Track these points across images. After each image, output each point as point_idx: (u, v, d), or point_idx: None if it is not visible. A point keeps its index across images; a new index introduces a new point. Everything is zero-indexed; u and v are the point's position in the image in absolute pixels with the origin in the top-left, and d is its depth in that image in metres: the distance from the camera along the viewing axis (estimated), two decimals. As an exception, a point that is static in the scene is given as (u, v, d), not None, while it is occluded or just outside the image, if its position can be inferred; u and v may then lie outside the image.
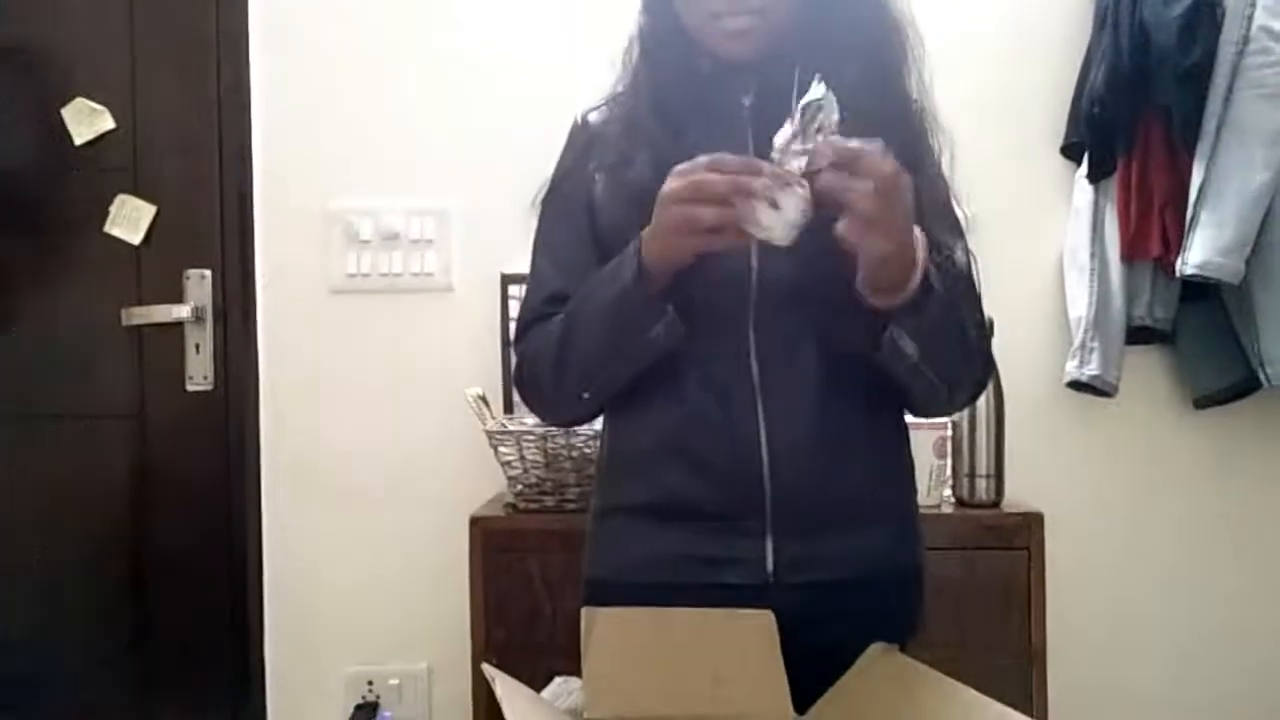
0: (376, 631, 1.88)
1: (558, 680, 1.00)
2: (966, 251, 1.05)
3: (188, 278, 1.88)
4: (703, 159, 0.88)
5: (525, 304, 1.11)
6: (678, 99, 1.02)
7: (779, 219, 0.82)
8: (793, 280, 0.98)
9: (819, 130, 0.83)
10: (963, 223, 1.07)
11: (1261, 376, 1.71)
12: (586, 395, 1.03)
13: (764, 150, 0.89)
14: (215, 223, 1.89)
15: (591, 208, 1.06)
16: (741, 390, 0.99)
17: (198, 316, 1.87)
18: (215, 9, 1.88)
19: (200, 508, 1.89)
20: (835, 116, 0.84)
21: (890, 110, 0.97)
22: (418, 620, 1.86)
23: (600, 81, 1.10)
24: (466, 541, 1.57)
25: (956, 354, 0.98)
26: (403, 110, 1.89)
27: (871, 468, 1.03)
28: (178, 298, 1.87)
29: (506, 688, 0.79)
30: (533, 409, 1.14)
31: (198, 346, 1.88)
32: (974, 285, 1.05)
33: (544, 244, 1.11)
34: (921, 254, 0.89)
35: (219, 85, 1.89)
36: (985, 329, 1.07)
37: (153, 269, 1.88)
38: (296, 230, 1.90)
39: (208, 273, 1.88)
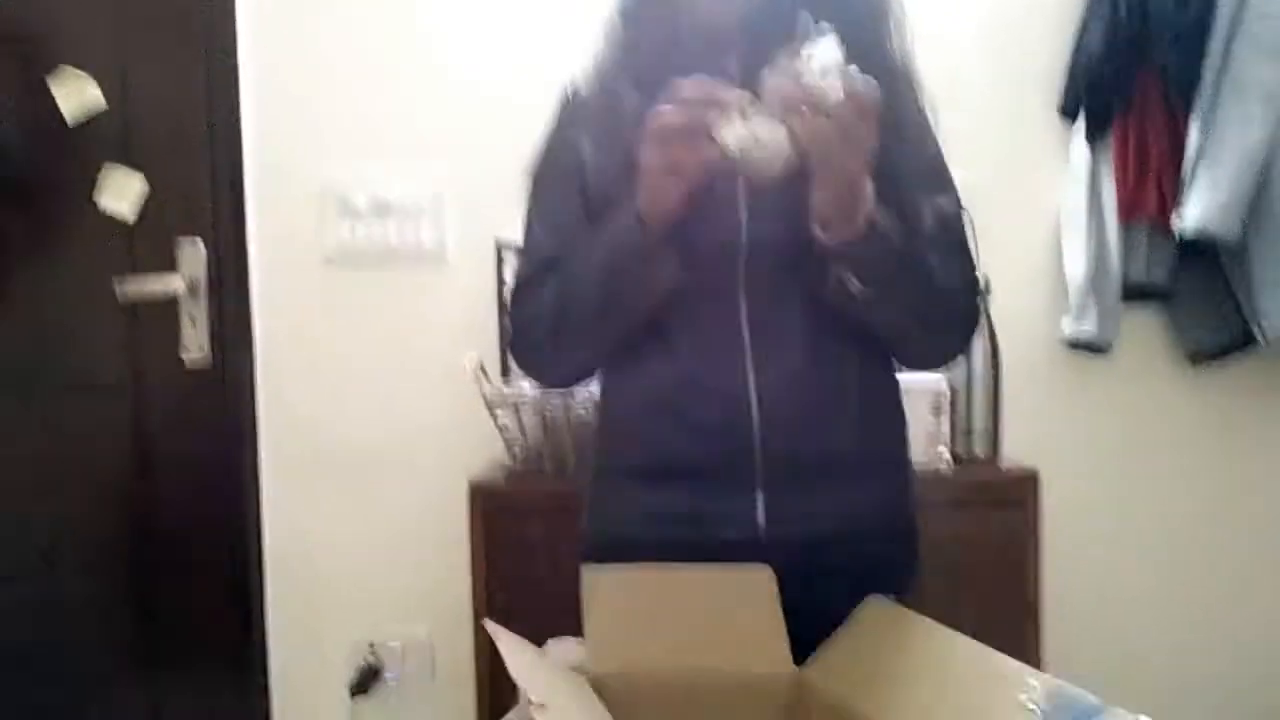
0: (377, 598, 1.89)
1: (551, 642, 1.01)
2: (957, 206, 1.06)
3: (181, 249, 1.86)
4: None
5: (520, 268, 1.12)
6: (662, 64, 1.02)
7: (747, 132, 0.86)
8: (782, 240, 0.99)
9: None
10: (954, 179, 1.07)
11: (1257, 333, 1.72)
12: (586, 349, 1.04)
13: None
14: (207, 192, 1.87)
15: (582, 174, 1.06)
16: (732, 349, 1.01)
17: (192, 289, 1.86)
18: (203, -28, 1.86)
19: (199, 479, 1.89)
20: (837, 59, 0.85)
21: (871, 70, 0.97)
22: (419, 586, 1.87)
23: (589, 50, 1.10)
24: (465, 507, 1.58)
25: (920, 295, 1.00)
26: (395, 79, 1.87)
27: (862, 422, 1.04)
28: (170, 268, 1.86)
29: (509, 643, 0.80)
30: (528, 371, 1.15)
31: (193, 319, 1.87)
32: (961, 238, 1.06)
33: (536, 210, 1.12)
34: (868, 199, 0.92)
35: (208, 53, 1.86)
36: (973, 281, 1.08)
37: (144, 240, 1.86)
38: (289, 200, 1.89)
39: (199, 240, 1.86)
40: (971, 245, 1.08)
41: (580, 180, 1.06)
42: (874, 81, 0.86)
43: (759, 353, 1.00)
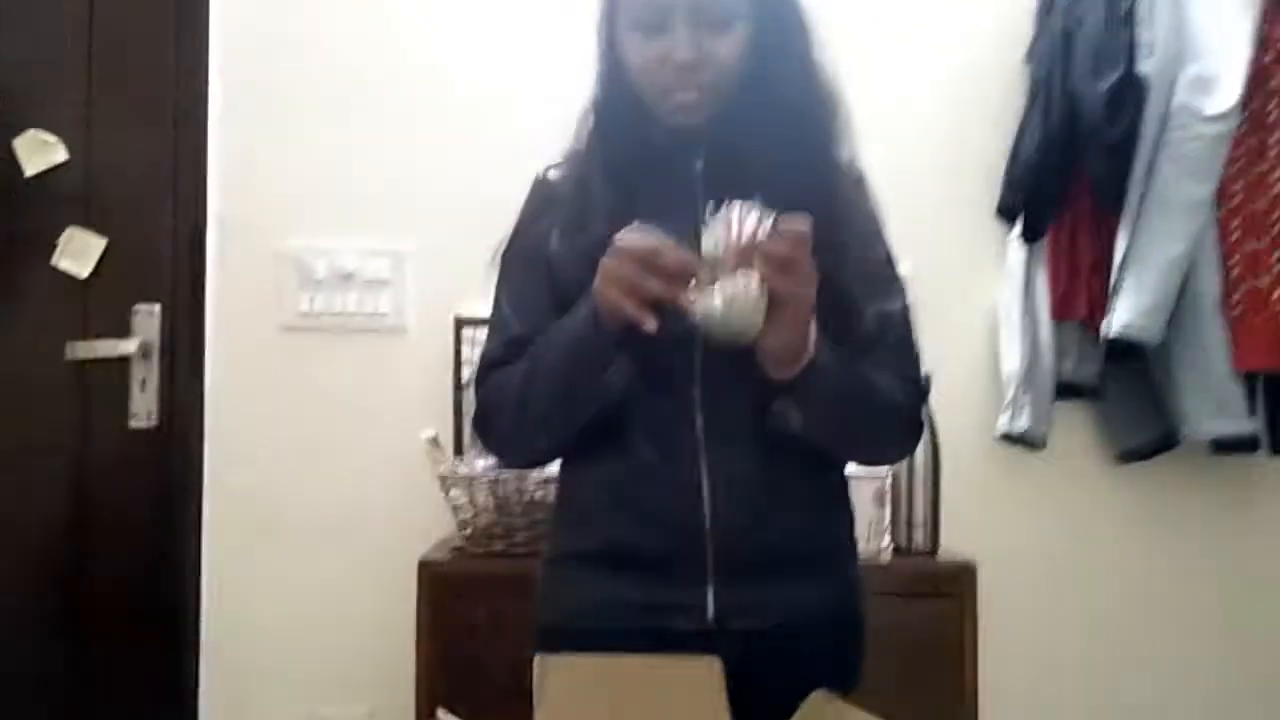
0: (317, 675, 1.85)
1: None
2: (905, 307, 1.11)
3: (136, 313, 1.86)
4: (638, 241, 0.94)
5: (487, 347, 1.14)
6: (630, 165, 1.07)
7: (724, 293, 0.90)
8: None
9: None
10: (902, 279, 1.12)
11: (1179, 433, 1.80)
12: (544, 438, 1.07)
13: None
14: (167, 257, 1.88)
15: (549, 262, 1.10)
16: (686, 444, 1.04)
17: (145, 352, 1.85)
18: (174, 44, 1.89)
19: (139, 548, 1.85)
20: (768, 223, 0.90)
21: (821, 177, 1.04)
22: (361, 665, 1.84)
23: (556, 127, 1.14)
24: (412, 584, 1.57)
25: (862, 417, 1.05)
26: (361, 151, 1.90)
27: (812, 518, 1.08)
28: (125, 332, 1.85)
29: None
30: (490, 451, 1.18)
31: (143, 382, 1.86)
32: (907, 339, 1.11)
33: (505, 291, 1.15)
34: (811, 337, 0.97)
35: (175, 119, 1.89)
36: (918, 383, 1.12)
37: (101, 303, 1.86)
38: (250, 267, 1.90)
39: (157, 308, 1.87)
40: (917, 344, 1.13)
41: (548, 266, 1.10)
42: (807, 219, 0.92)
43: (712, 445, 1.03)
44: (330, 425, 1.88)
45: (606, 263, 0.96)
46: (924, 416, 1.15)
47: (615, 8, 1.07)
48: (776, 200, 0.97)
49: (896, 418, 1.09)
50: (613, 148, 1.09)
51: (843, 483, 1.14)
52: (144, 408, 1.86)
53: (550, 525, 1.16)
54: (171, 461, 1.86)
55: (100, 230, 1.86)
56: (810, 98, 1.09)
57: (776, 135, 1.04)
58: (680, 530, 1.03)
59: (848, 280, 1.04)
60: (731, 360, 1.03)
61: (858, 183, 1.12)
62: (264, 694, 1.85)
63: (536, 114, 1.81)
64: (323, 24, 1.92)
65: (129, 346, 1.84)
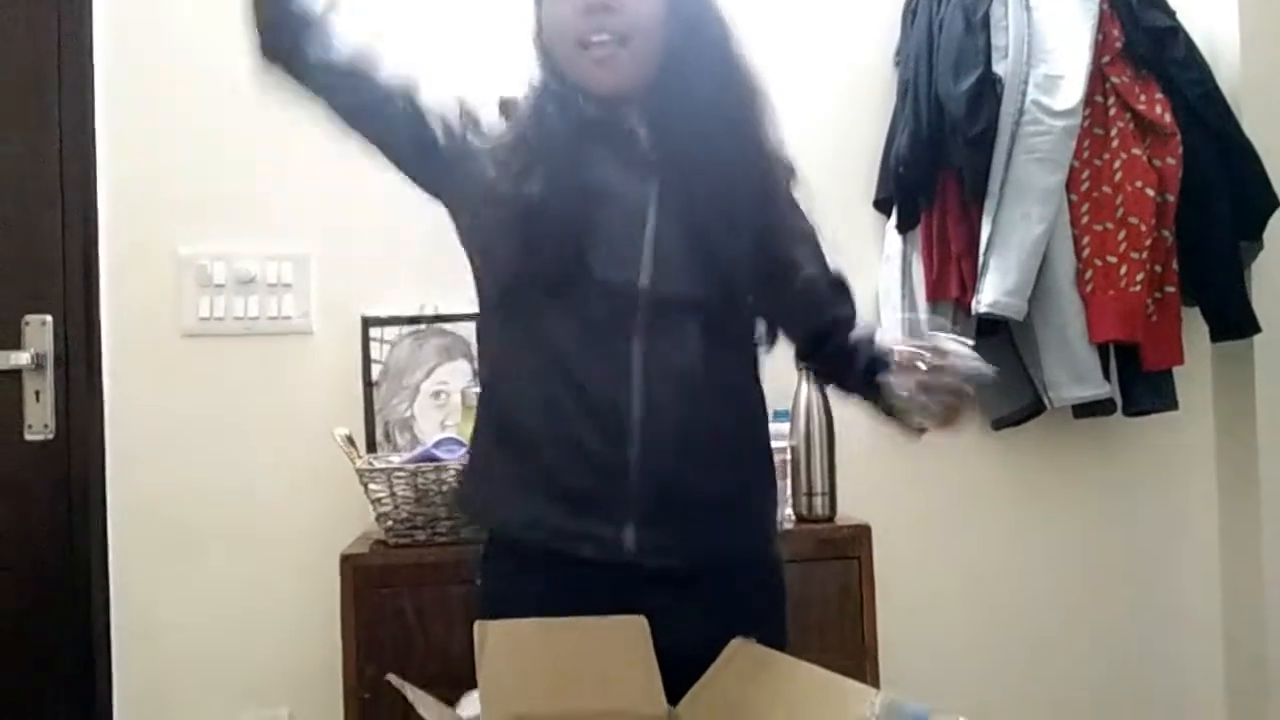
0: (235, 682, 1.84)
1: (464, 699, 1.06)
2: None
3: (27, 323, 1.81)
4: None
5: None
6: (573, 134, 1.12)
7: None
8: (682, 291, 1.10)
9: None
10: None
11: (1045, 400, 1.95)
12: None
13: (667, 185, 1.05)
14: (58, 265, 1.83)
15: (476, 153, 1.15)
16: (622, 389, 1.09)
17: (38, 363, 1.80)
18: (59, 41, 1.84)
19: (41, 563, 1.80)
20: None
21: (753, 154, 1.11)
22: (280, 666, 1.83)
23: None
24: (329, 582, 1.58)
25: None
26: (259, 153, 1.88)
27: (735, 465, 1.16)
28: (15, 344, 1.80)
29: (416, 693, 0.86)
30: None
31: (37, 394, 1.81)
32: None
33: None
34: None
35: (62, 119, 1.83)
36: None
37: (-12, 315, 1.80)
38: (146, 273, 1.87)
39: (48, 318, 1.82)
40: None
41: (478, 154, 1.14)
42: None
43: (647, 390, 1.09)
44: (237, 429, 1.87)
45: None
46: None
47: None
48: (715, 176, 1.06)
49: None
50: (554, 119, 1.13)
51: (766, 435, 1.21)
52: (39, 419, 1.81)
53: (477, 442, 1.20)
54: (71, 473, 1.81)
55: (-12, 241, 1.81)
56: (735, 75, 1.15)
57: (709, 111, 1.10)
58: (609, 467, 1.09)
59: (789, 247, 1.15)
60: (674, 310, 1.09)
61: (789, 167, 1.21)
62: (181, 706, 1.82)
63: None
64: (217, 22, 1.89)
65: (21, 358, 1.79)
